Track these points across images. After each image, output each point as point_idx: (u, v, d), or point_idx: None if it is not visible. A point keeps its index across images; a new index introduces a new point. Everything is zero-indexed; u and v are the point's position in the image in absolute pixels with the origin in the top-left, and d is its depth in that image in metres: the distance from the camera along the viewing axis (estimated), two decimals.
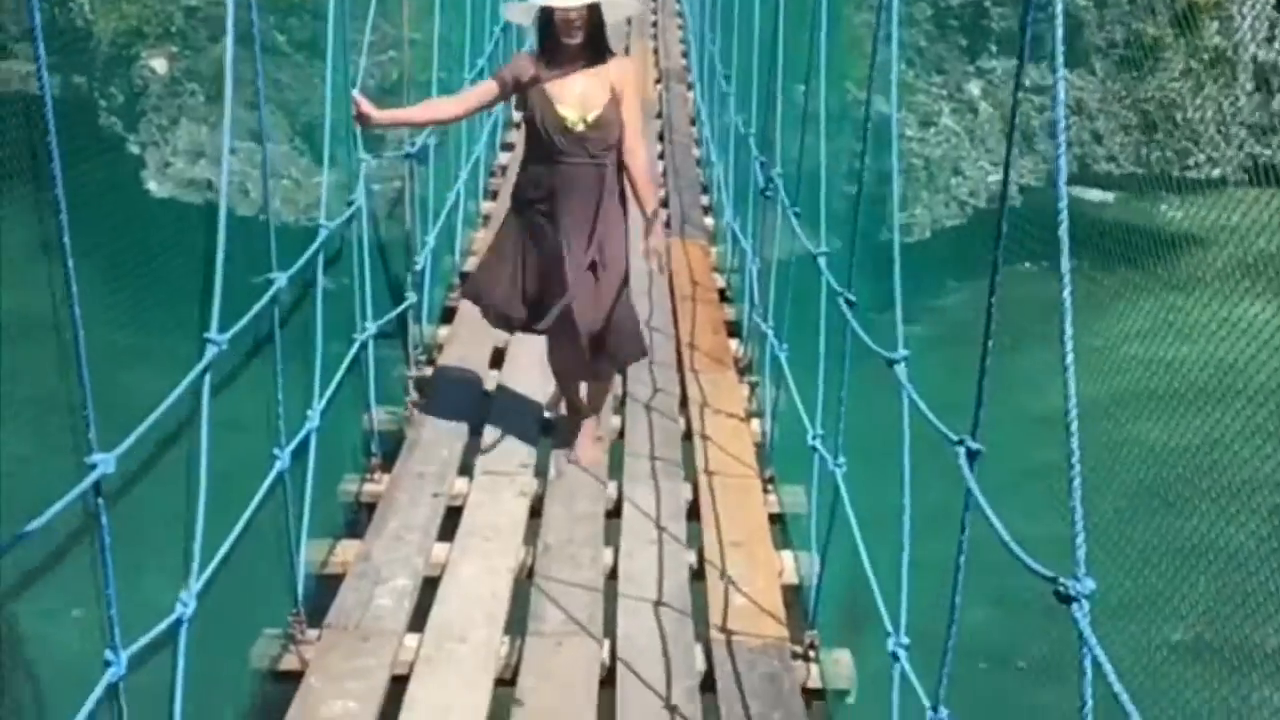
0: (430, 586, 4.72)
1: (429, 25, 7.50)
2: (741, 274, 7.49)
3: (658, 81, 13.43)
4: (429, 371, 6.53)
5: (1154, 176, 14.92)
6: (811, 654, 4.52)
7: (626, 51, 12.37)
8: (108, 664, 2.69)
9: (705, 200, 10.04)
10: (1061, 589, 2.23)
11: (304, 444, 4.49)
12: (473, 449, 5.76)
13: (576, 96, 5.13)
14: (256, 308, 3.85)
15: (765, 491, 5.58)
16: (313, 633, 4.38)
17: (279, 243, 4.22)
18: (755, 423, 6.21)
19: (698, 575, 4.90)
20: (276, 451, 4.17)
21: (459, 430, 5.87)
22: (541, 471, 5.61)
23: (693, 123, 12.04)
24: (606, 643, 4.40)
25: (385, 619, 4.45)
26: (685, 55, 14.17)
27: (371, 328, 5.52)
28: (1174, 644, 7.27)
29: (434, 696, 4.07)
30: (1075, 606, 2.21)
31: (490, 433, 5.86)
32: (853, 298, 4.47)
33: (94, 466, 2.53)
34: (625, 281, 5.41)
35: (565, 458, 5.67)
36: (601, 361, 5.52)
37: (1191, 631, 7.23)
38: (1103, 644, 2.13)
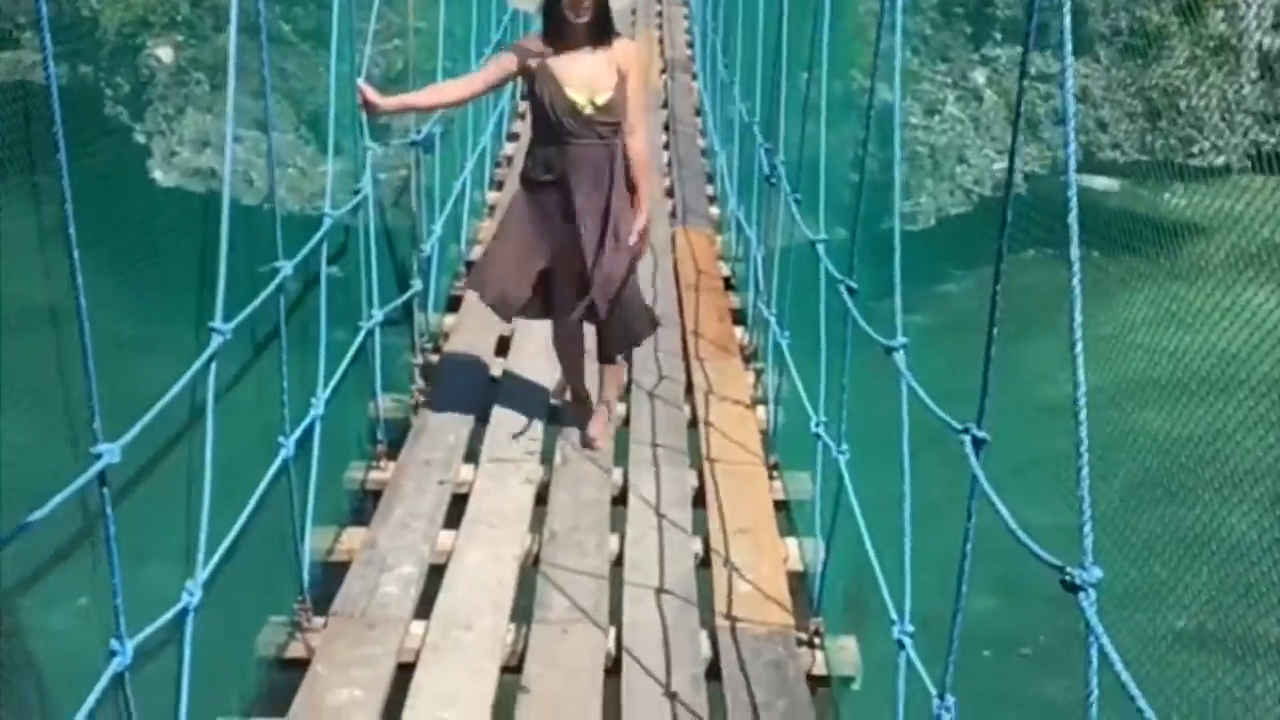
0: (436, 574, 4.72)
1: (434, 14, 7.51)
2: (746, 262, 7.50)
3: (663, 71, 13.42)
4: (435, 359, 6.54)
5: (1158, 164, 14.89)
6: (817, 641, 4.53)
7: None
8: (113, 654, 2.70)
9: (710, 190, 10.04)
10: (1068, 578, 2.23)
11: (309, 432, 4.50)
12: (478, 436, 5.77)
13: (585, 79, 5.12)
14: (261, 297, 3.86)
15: (771, 478, 5.58)
16: (319, 620, 4.39)
17: (284, 232, 4.23)
18: (760, 410, 6.22)
19: (703, 562, 4.91)
20: (281, 440, 4.18)
21: (465, 418, 5.87)
22: (547, 458, 5.61)
23: (697, 113, 12.03)
24: (612, 630, 4.40)
25: (391, 606, 4.46)
26: (690, 46, 14.16)
27: (378, 315, 5.53)
28: (1178, 633, 7.26)
29: (440, 684, 4.08)
30: (1082, 595, 2.21)
31: (496, 420, 5.87)
32: (854, 285, 4.48)
33: (99, 457, 2.54)
34: (635, 263, 5.45)
35: (579, 441, 5.69)
36: (610, 343, 5.56)
37: (1195, 621, 7.22)
38: (1109, 632, 2.13)
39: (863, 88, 4.53)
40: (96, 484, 2.57)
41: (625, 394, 6.19)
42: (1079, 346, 2.21)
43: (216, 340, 3.33)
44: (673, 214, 9.27)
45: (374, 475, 5.52)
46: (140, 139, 14.78)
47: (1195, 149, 15.33)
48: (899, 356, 3.80)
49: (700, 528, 5.15)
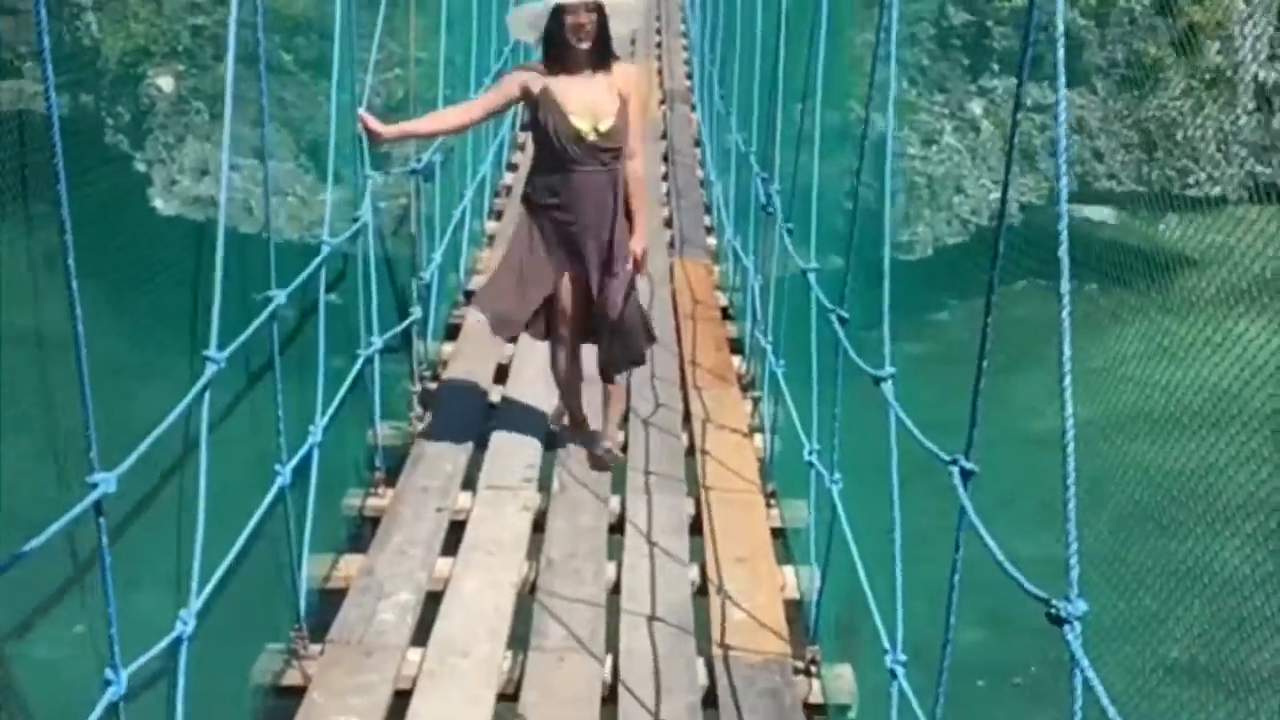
0: (433, 601, 4.72)
1: (435, 43, 7.55)
2: (743, 291, 7.52)
3: (662, 102, 13.44)
4: (433, 386, 6.56)
5: (1155, 194, 14.95)
6: (813, 669, 4.53)
7: None
8: (108, 683, 2.70)
9: (708, 220, 10.07)
10: (1054, 610, 2.24)
11: (307, 459, 4.51)
12: (476, 463, 5.78)
13: (588, 106, 5.14)
14: (254, 325, 3.86)
15: (768, 506, 5.59)
16: (315, 648, 4.39)
17: (284, 260, 4.24)
18: (758, 438, 6.23)
19: (700, 590, 4.90)
20: (278, 467, 4.18)
21: (463, 445, 5.88)
22: (545, 485, 5.62)
23: (696, 144, 12.05)
24: (609, 658, 4.40)
25: (388, 634, 4.46)
26: (689, 76, 14.19)
27: (377, 343, 5.55)
28: (1169, 666, 7.26)
29: (437, 712, 4.07)
30: (1067, 628, 2.21)
31: (494, 447, 5.88)
32: (845, 314, 4.49)
33: (95, 486, 2.54)
34: (635, 281, 5.50)
35: (590, 462, 5.73)
36: (611, 362, 5.61)
37: (1187, 654, 7.22)
38: (1097, 665, 2.14)
39: (859, 118, 4.56)
40: (93, 513, 2.57)
41: (624, 422, 6.21)
42: (1068, 379, 2.22)
43: (210, 369, 3.34)
44: (671, 244, 9.29)
45: (372, 502, 5.52)
46: (141, 167, 14.85)
47: (1191, 180, 15.40)
48: (887, 386, 3.82)
49: (697, 556, 5.15)
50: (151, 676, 2.99)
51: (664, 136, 12.28)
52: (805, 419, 5.18)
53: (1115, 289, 10.93)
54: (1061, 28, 2.36)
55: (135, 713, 2.82)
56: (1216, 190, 15.02)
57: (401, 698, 4.16)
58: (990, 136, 15.85)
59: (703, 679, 4.34)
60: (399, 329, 6.19)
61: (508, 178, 10.54)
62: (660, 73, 14.56)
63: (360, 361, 5.40)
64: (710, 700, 4.25)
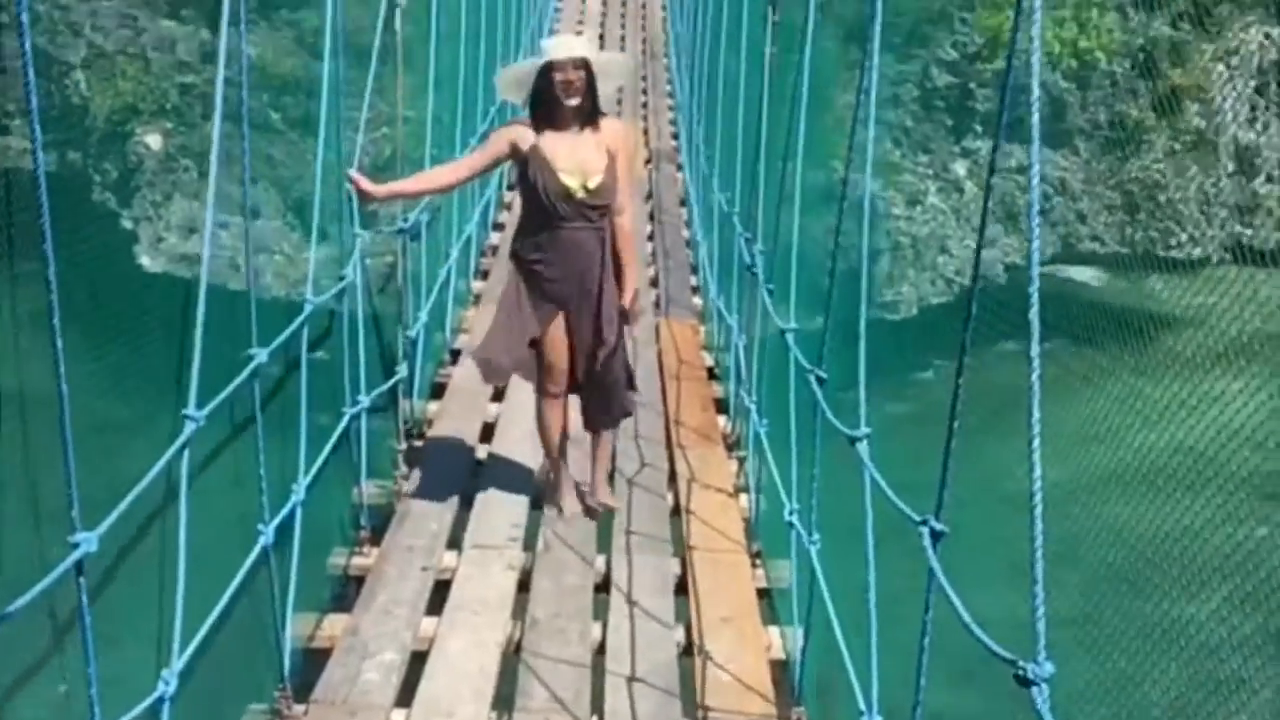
0: (418, 661, 4.70)
1: (423, 103, 7.60)
2: (728, 351, 7.55)
3: (648, 162, 13.51)
4: (419, 445, 6.56)
5: (1138, 256, 15.07)
6: None
7: None
8: None
9: (694, 280, 10.10)
10: (1021, 672, 2.24)
11: (290, 518, 4.50)
12: (461, 522, 5.77)
13: (577, 163, 5.18)
14: (235, 384, 3.87)
15: (753, 566, 5.59)
16: (299, 708, 4.37)
17: (270, 317, 4.26)
18: (743, 498, 6.23)
19: (685, 651, 4.89)
20: (260, 526, 4.18)
21: (448, 504, 5.88)
22: (530, 545, 5.61)
23: (682, 203, 12.10)
24: None
25: (373, 694, 4.44)
26: (675, 136, 14.28)
27: (364, 401, 5.55)
28: None
29: None
30: (1035, 690, 2.22)
31: (479, 506, 5.88)
32: (823, 374, 4.51)
33: (77, 545, 2.54)
34: (621, 336, 5.52)
35: (581, 512, 5.77)
36: (594, 418, 5.67)
37: (1164, 717, 7.18)
38: None
39: (842, 178, 4.60)
40: (74, 573, 2.57)
41: (610, 480, 6.21)
42: (1036, 441, 2.24)
43: (190, 427, 3.34)
44: (656, 304, 9.32)
45: (357, 561, 5.51)
46: (128, 225, 14.89)
47: (1174, 241, 15.53)
48: (863, 446, 3.83)
49: (683, 616, 5.13)
50: None
51: (650, 196, 12.32)
52: (786, 479, 5.19)
53: (1093, 350, 10.98)
54: (1036, 91, 2.40)
55: None
56: (1198, 251, 15.15)
57: None
58: (974, 197, 15.97)
59: None
60: (385, 387, 6.20)
61: (494, 237, 10.57)
62: (646, 132, 14.63)
63: (346, 419, 5.40)
64: None
